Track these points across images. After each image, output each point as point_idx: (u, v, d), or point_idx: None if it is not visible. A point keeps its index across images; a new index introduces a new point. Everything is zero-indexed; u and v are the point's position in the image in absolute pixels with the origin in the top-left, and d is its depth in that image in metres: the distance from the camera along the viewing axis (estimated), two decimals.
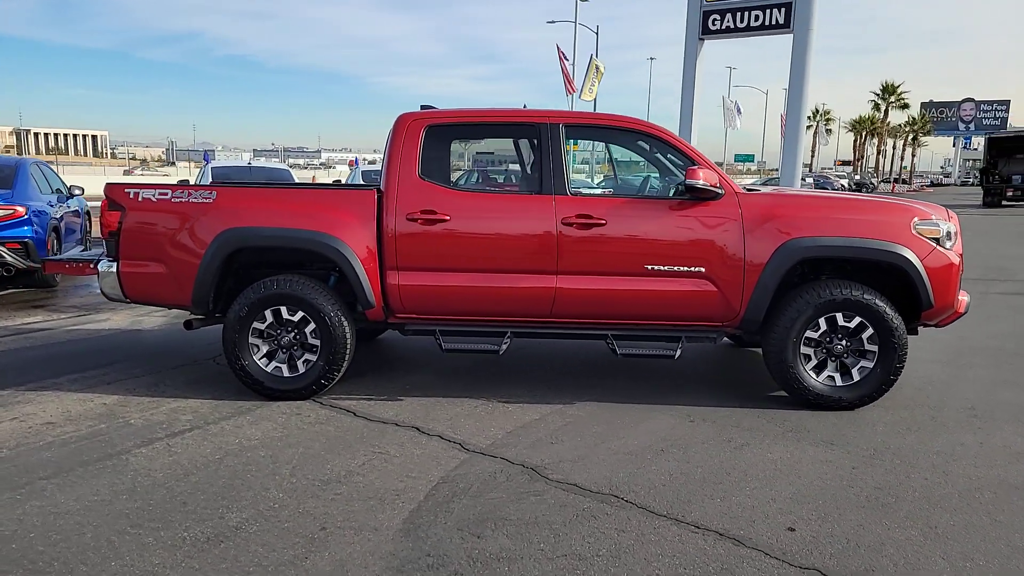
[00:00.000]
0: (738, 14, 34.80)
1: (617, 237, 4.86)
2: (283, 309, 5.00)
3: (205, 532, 3.27)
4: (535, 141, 4.99)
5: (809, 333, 4.89)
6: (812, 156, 59.61)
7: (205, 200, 5.01)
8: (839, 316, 4.85)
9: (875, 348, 4.87)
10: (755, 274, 4.81)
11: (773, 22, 33.93)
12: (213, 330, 6.83)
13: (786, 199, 5.05)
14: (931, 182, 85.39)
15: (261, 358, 5.08)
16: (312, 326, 5.00)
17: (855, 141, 68.64)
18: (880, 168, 78.01)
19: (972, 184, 71.65)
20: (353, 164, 17.05)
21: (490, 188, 5.22)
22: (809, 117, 69.85)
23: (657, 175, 5.30)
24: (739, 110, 42.76)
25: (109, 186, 5.17)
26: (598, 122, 5.12)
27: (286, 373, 5.08)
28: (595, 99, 31.53)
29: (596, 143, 5.01)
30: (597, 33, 37.24)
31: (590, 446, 4.31)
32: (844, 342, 4.90)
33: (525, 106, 5.01)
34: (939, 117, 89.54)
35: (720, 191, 4.82)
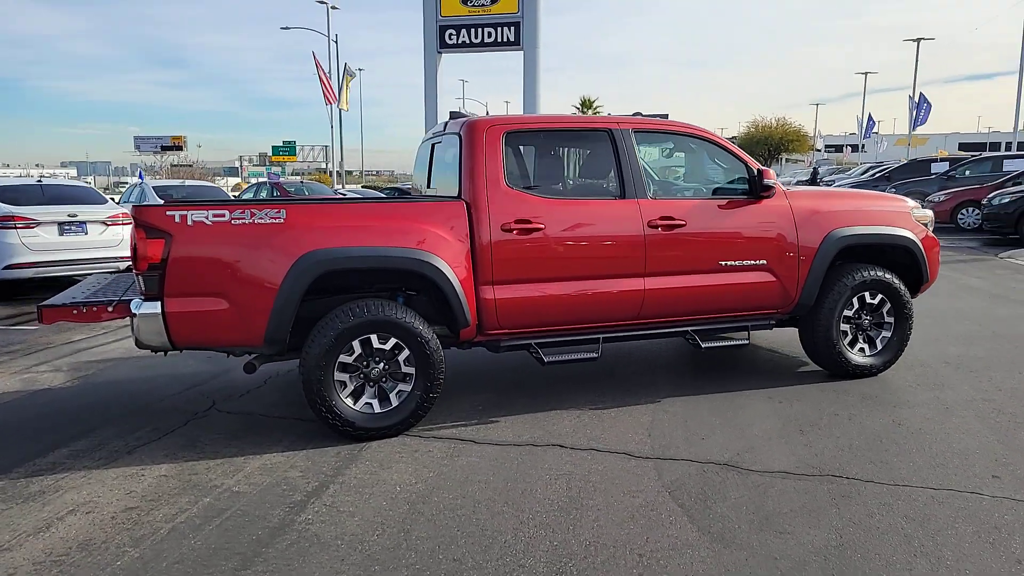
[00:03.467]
0: (473, 30, 36.36)
1: (695, 237, 5.07)
2: (374, 337, 4.47)
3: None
4: (611, 147, 5.01)
5: (846, 312, 5.52)
6: None
7: (274, 220, 4.30)
8: (867, 295, 5.55)
9: (892, 320, 5.64)
10: (807, 263, 5.32)
11: (505, 39, 36.02)
12: (144, 376, 5.89)
13: (820, 195, 5.63)
14: None
15: (348, 396, 4.49)
16: (406, 353, 4.53)
17: None
18: None
19: None
20: None
21: (577, 195, 5.10)
22: None
23: (706, 177, 5.58)
24: None
25: (143, 209, 4.22)
26: (662, 128, 5.27)
27: (377, 409, 4.54)
28: (348, 107, 30.94)
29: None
30: (337, 42, 36.40)
31: (738, 436, 4.48)
32: (869, 317, 5.61)
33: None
34: None
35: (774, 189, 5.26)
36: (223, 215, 4.24)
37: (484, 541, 3.27)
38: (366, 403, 4.52)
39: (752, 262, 5.21)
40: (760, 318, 5.42)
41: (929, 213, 5.86)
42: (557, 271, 4.80)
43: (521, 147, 4.87)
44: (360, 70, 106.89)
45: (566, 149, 5.16)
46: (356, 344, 4.44)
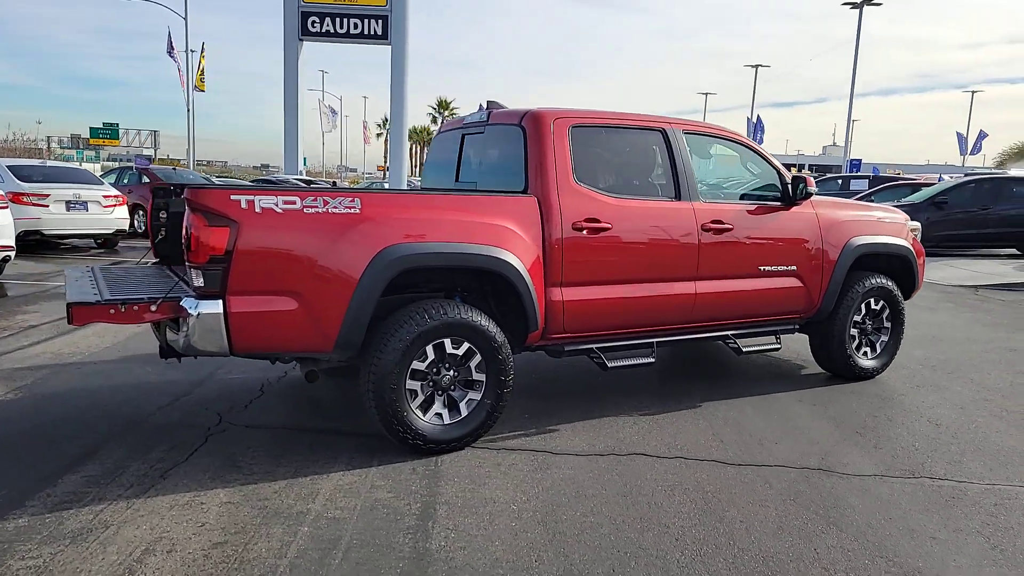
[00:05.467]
0: (338, 19, 35.15)
1: (741, 241, 5.07)
2: (447, 341, 4.09)
3: None
4: (665, 147, 4.91)
5: (856, 318, 5.75)
6: (385, 161, 62.79)
7: (349, 210, 3.83)
8: (871, 301, 5.81)
9: (889, 325, 5.95)
10: (829, 270, 5.48)
11: (372, 32, 35.05)
12: (103, 387, 5.35)
13: (836, 204, 5.81)
14: None
15: (419, 406, 4.08)
16: (478, 359, 4.19)
17: (411, 149, 74.18)
18: None
19: None
20: None
21: (637, 194, 4.92)
22: (379, 125, 73.44)
23: (742, 181, 5.59)
24: (333, 113, 43.19)
25: (203, 192, 3.60)
26: (705, 131, 5.20)
27: (447, 420, 4.17)
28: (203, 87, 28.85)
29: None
30: (186, 18, 33.60)
31: (806, 440, 4.50)
32: (871, 322, 5.88)
33: None
34: None
35: None
36: (294, 202, 3.72)
37: (656, 562, 3.06)
38: (436, 413, 4.14)
39: (785, 267, 5.30)
40: (785, 323, 5.52)
41: (916, 224, 6.24)
42: (622, 273, 4.64)
43: (584, 142, 4.64)
44: (192, 51, 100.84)
45: (623, 146, 4.98)
46: (430, 349, 4.05)
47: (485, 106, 5.08)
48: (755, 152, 5.42)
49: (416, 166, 76.51)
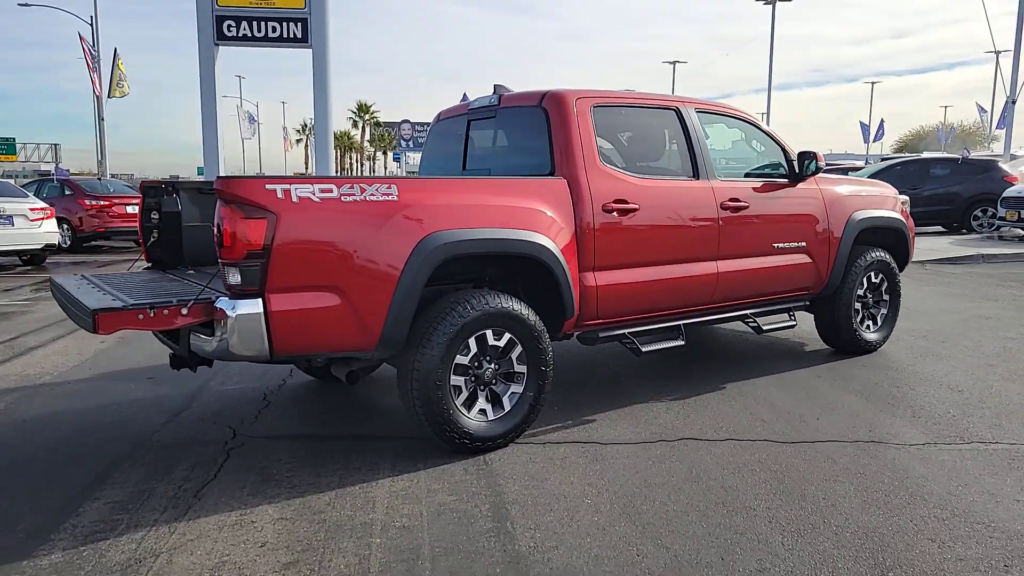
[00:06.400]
0: (255, 23, 34.00)
1: (756, 219, 5.03)
2: (489, 333, 3.89)
3: None
4: (680, 126, 4.81)
5: (859, 292, 5.80)
6: (306, 167, 61.39)
7: (387, 197, 3.57)
8: (872, 275, 5.88)
9: (888, 297, 6.03)
10: (835, 246, 5.50)
11: (291, 35, 34.07)
12: (87, 407, 5.02)
13: (836, 180, 5.83)
14: None
15: (463, 403, 3.86)
16: (519, 350, 4.00)
17: (335, 154, 72.62)
18: None
19: None
20: None
21: (658, 174, 4.80)
22: (298, 131, 71.50)
23: (750, 160, 5.54)
24: (252, 119, 41.93)
25: (236, 182, 3.28)
26: (714, 109, 5.11)
27: (491, 416, 3.96)
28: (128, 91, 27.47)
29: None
30: (95, 24, 31.90)
31: (844, 414, 4.48)
32: (871, 296, 5.95)
33: None
34: (390, 135, 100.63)
35: None
36: (331, 190, 3.45)
37: (761, 546, 2.93)
38: (480, 410, 3.92)
39: (796, 244, 5.29)
40: (796, 300, 5.52)
41: (905, 197, 6.35)
42: (650, 255, 4.52)
43: (606, 122, 4.50)
44: (100, 60, 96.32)
45: (642, 125, 4.85)
46: (472, 342, 3.83)
47: (493, 90, 4.88)
48: (760, 129, 5.39)
49: (338, 171, 75.01)
